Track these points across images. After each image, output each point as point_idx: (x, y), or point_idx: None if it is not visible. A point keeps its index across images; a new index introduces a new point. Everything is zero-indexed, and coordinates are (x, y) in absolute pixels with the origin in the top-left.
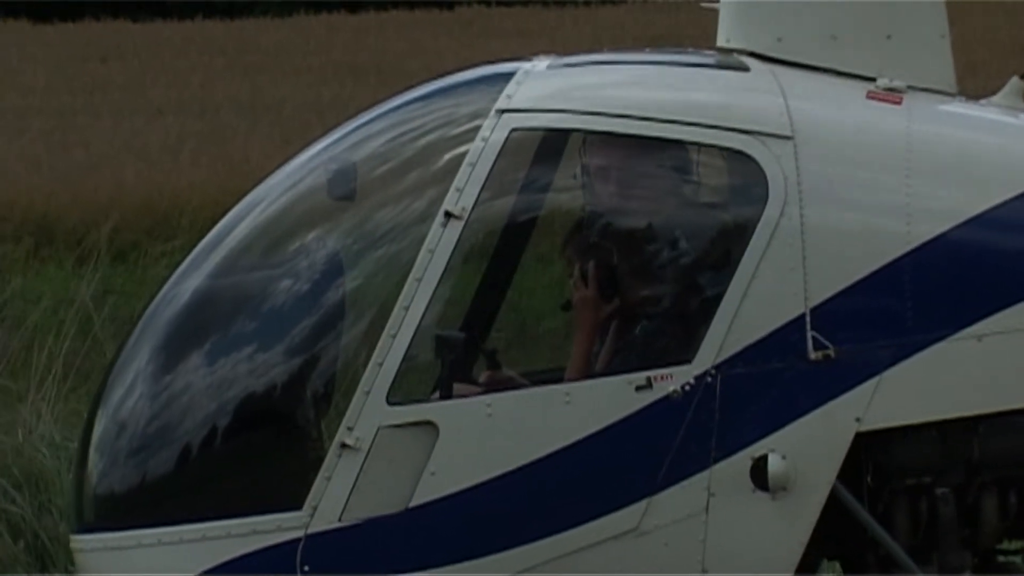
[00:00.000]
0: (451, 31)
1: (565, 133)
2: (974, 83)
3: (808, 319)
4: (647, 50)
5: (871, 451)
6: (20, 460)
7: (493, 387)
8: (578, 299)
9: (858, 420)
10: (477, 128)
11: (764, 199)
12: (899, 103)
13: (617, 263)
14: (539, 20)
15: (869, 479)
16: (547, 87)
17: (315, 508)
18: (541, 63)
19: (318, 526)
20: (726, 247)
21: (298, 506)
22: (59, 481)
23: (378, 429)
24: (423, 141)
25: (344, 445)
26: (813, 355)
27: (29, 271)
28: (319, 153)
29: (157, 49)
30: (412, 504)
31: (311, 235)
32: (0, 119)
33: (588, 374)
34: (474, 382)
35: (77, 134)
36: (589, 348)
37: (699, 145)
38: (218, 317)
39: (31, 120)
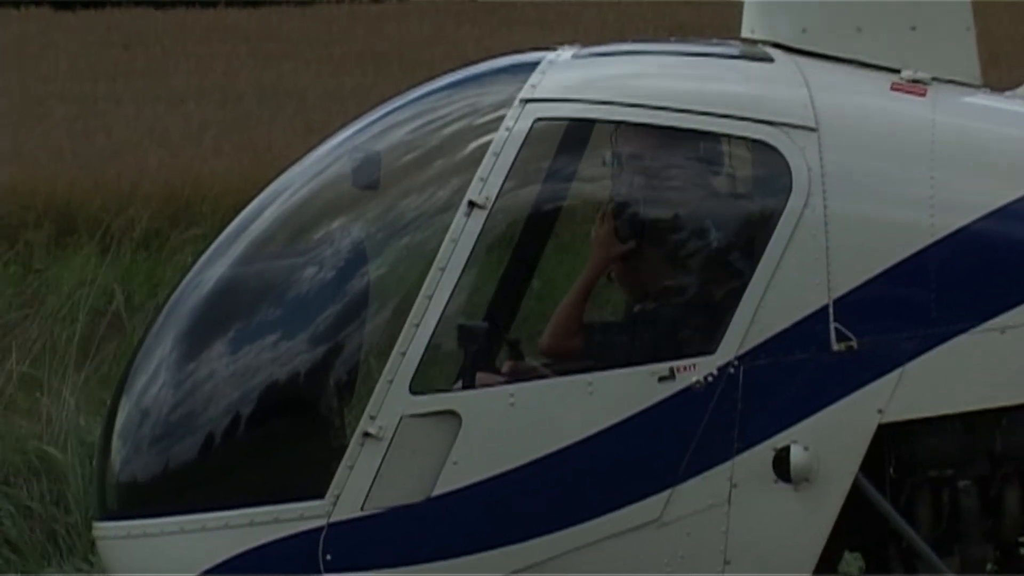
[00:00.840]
0: (473, 19)
1: (590, 123)
2: (997, 75)
3: (831, 310)
4: (671, 40)
5: (893, 443)
6: (40, 449)
7: (516, 377)
8: (594, 238)
9: (880, 412)
10: (501, 118)
11: (788, 190)
12: (924, 95)
13: (640, 224)
14: (561, 10)
15: (891, 471)
16: (572, 77)
17: (337, 497)
18: (566, 53)
19: (340, 515)
20: (750, 238)
21: (320, 495)
22: (79, 470)
23: (401, 418)
24: (447, 131)
25: (367, 434)
26: (836, 346)
27: (51, 258)
28: (343, 142)
29: (179, 36)
30: (434, 494)
31: (335, 224)
32: (22, 106)
33: (580, 309)
34: (497, 372)
35: (99, 121)
36: (590, 284)
37: (723, 136)
38: (242, 305)
39: (53, 107)
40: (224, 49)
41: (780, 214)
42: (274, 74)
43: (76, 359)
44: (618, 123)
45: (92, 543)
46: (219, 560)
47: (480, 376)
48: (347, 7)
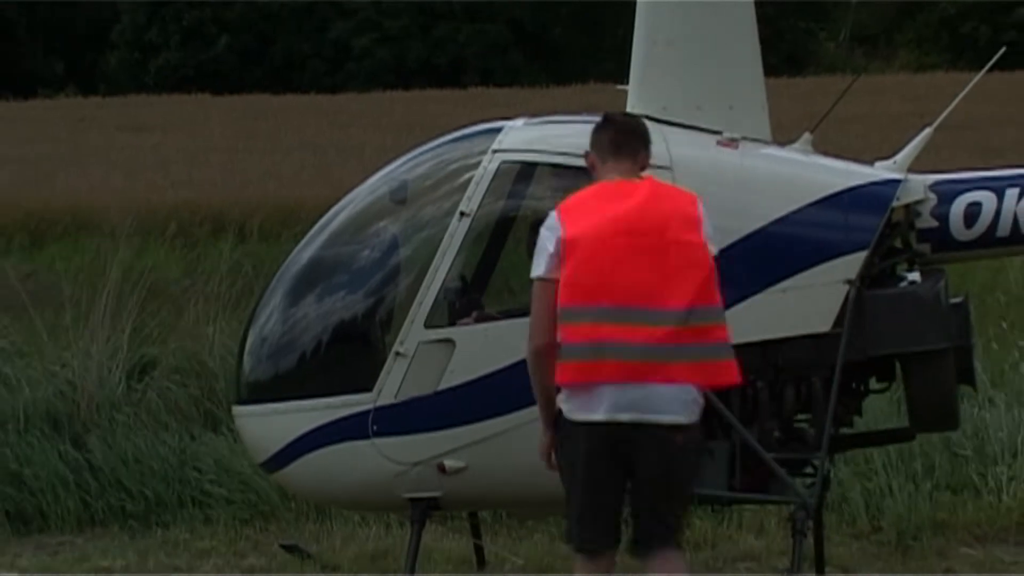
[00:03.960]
0: (463, 104)
1: (534, 165)
2: (782, 137)
3: None
4: (583, 114)
5: None
6: (199, 358)
7: (484, 320)
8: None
9: None
10: (480, 160)
11: None
12: (736, 147)
13: None
14: (519, 96)
15: None
16: (523, 136)
17: (380, 391)
18: (520, 121)
19: (382, 402)
20: None
21: (369, 389)
22: (222, 373)
23: (418, 344)
24: (449, 168)
25: (398, 353)
26: None
27: (206, 247)
28: (385, 174)
29: (286, 112)
30: (439, 389)
31: (380, 224)
32: (189, 154)
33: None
34: (475, 317)
35: (239, 163)
36: None
37: None
38: (322, 274)
39: (210, 154)
40: (315, 119)
41: None
42: (344, 135)
43: (225, 307)
44: (551, 165)
45: (232, 418)
46: (307, 429)
47: (464, 319)
48: (388, 94)
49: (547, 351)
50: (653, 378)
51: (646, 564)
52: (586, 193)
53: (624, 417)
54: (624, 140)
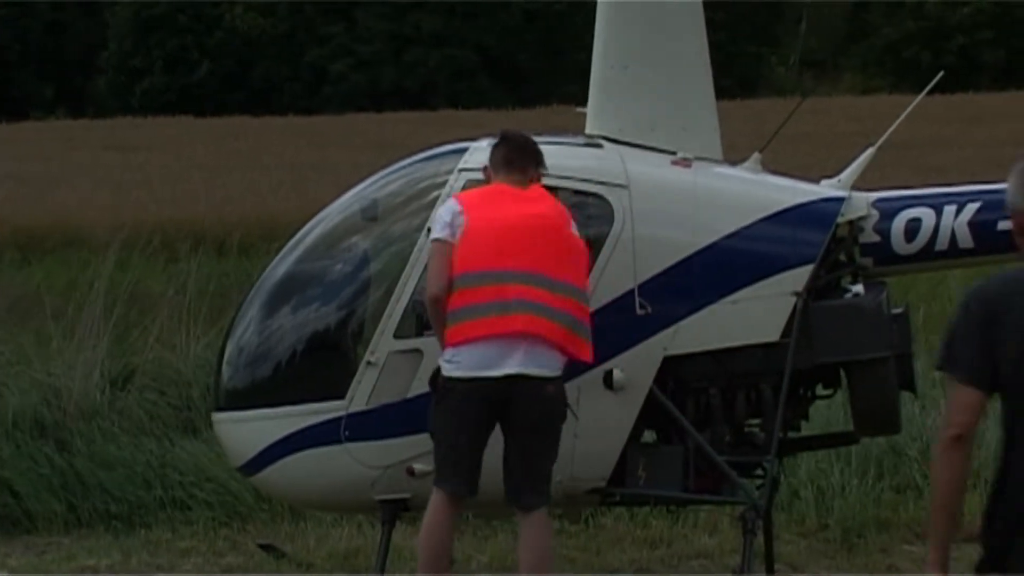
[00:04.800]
0: (432, 123)
1: None
2: (735, 155)
3: (636, 290)
4: (545, 135)
5: (672, 367)
6: (176, 368)
7: None
8: None
9: (665, 349)
10: (448, 179)
11: (612, 221)
12: (690, 166)
13: None
14: (486, 117)
15: (671, 383)
16: (485, 156)
17: (352, 398)
18: (484, 142)
19: (354, 408)
20: (590, 247)
21: (342, 397)
22: (199, 382)
23: (388, 353)
24: (418, 186)
25: (369, 363)
26: (639, 311)
27: (188, 260)
28: (357, 192)
29: (266, 132)
30: (408, 396)
31: (352, 240)
32: (173, 173)
33: None
34: None
35: (220, 181)
36: None
37: (575, 190)
38: (297, 287)
39: (193, 172)
40: (292, 140)
41: (607, 235)
42: (319, 155)
43: (206, 318)
44: None
45: (210, 424)
46: (283, 435)
47: (430, 331)
48: (363, 116)
49: (443, 300)
50: (536, 334)
51: (520, 522)
52: (480, 189)
53: (506, 371)
54: (515, 157)
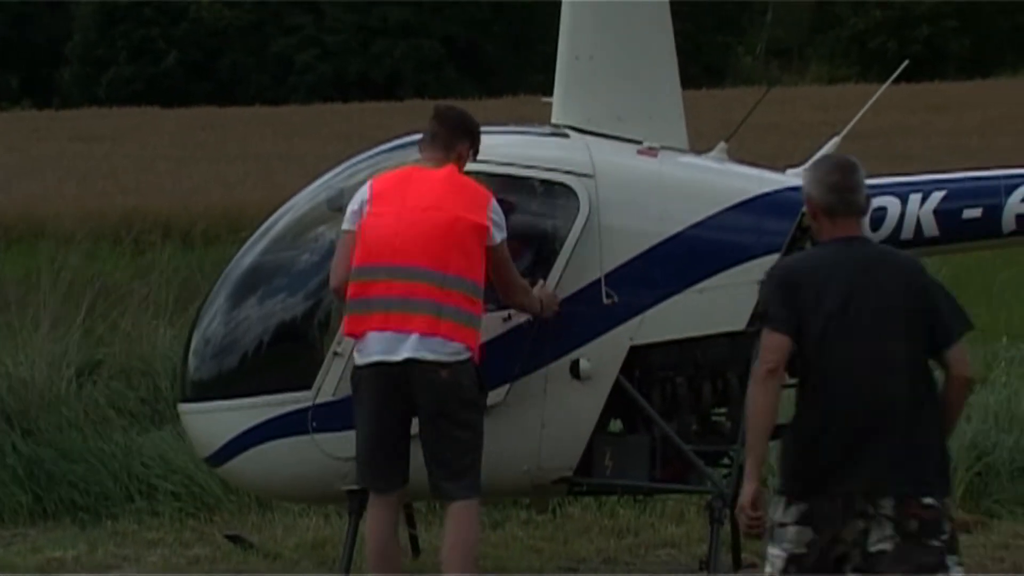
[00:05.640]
0: (399, 113)
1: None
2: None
3: (603, 280)
4: (512, 125)
5: (638, 357)
6: (143, 359)
7: None
8: None
9: (631, 339)
10: None
11: (578, 211)
12: (656, 156)
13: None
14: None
15: (637, 372)
16: None
17: (319, 389)
18: None
19: (321, 400)
20: (556, 237)
21: (309, 387)
22: (167, 372)
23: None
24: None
25: (336, 353)
26: (606, 300)
27: (155, 251)
28: (324, 182)
29: (233, 123)
30: None
31: (318, 230)
32: (139, 163)
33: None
34: None
35: (186, 172)
36: None
37: (541, 180)
38: (263, 278)
39: (159, 163)
40: (259, 130)
41: (573, 224)
42: (286, 145)
43: (172, 309)
44: (480, 173)
45: (176, 416)
46: (249, 425)
47: None
48: (328, 106)
49: (341, 292)
50: (422, 327)
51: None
52: (395, 172)
53: (404, 356)
54: (439, 132)
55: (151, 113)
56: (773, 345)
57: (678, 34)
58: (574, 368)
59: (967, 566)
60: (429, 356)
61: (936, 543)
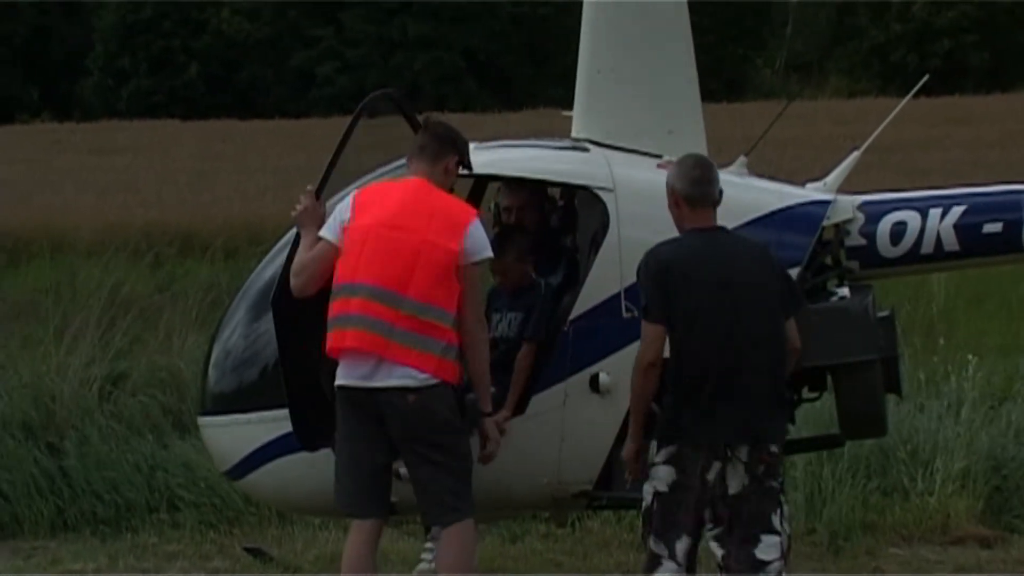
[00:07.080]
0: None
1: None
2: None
3: (623, 293)
4: (531, 139)
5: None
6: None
7: None
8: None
9: None
10: None
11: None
12: None
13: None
14: (473, 121)
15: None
16: (475, 159)
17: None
18: (472, 145)
19: None
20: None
21: None
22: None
23: None
24: None
25: None
26: (625, 315)
27: (175, 264)
28: (344, 195)
29: (253, 136)
30: None
31: None
32: (159, 176)
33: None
34: None
35: (206, 184)
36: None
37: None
38: None
39: (179, 176)
40: (279, 142)
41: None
42: (306, 158)
43: (195, 321)
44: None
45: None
46: (269, 439)
47: None
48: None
49: (298, 292)
50: (387, 353)
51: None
52: (378, 185)
53: (373, 384)
54: (427, 144)
55: (171, 126)
56: (651, 336)
57: (698, 48)
58: (594, 382)
59: None
60: (396, 382)
61: (774, 483)
